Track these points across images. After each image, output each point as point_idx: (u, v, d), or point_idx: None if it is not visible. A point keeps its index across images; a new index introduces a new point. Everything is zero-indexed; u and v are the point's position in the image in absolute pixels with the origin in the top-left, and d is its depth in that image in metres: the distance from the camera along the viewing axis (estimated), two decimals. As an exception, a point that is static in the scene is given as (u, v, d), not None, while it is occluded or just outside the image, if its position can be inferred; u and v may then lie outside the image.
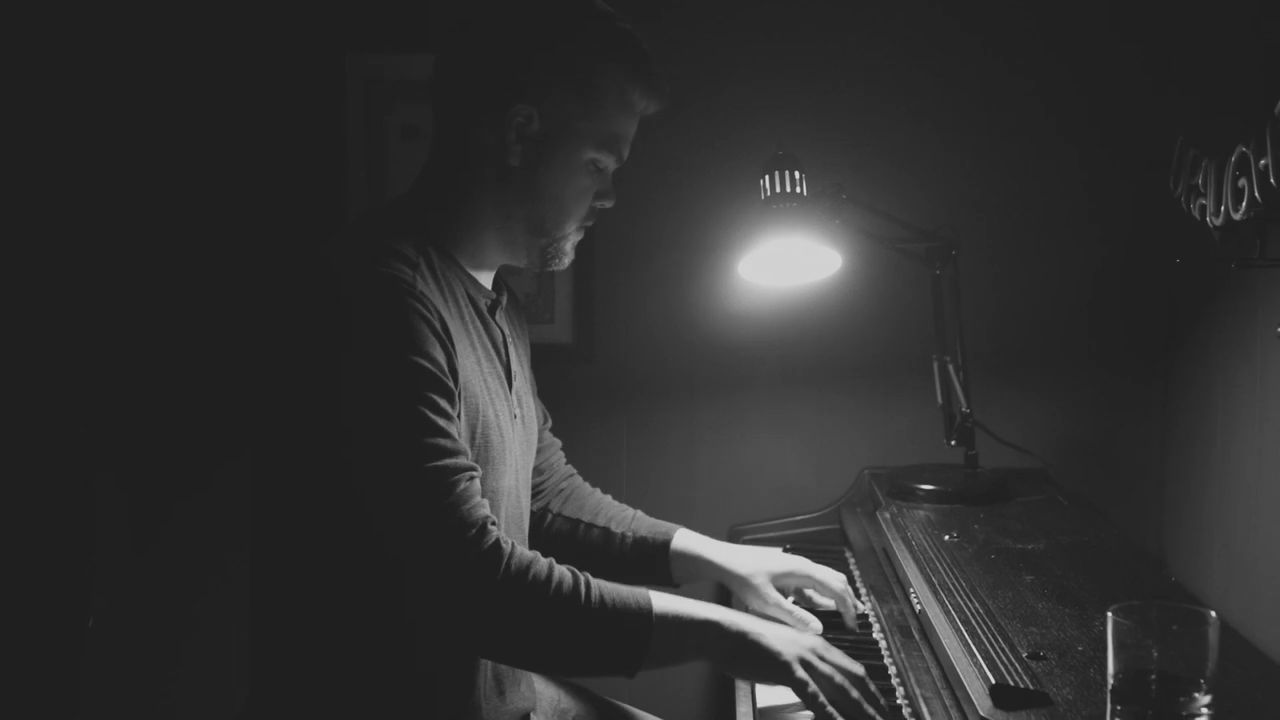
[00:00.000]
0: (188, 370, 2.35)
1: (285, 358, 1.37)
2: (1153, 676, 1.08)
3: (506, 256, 1.51)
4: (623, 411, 2.36)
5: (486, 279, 1.53)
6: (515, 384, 1.54)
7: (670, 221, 2.29)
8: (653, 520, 1.74)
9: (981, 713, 1.15)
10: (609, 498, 1.79)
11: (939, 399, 2.04)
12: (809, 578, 1.70)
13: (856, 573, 1.89)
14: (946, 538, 1.74)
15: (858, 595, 1.76)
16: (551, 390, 2.16)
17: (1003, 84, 2.22)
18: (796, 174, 1.85)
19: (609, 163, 1.47)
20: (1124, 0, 2.17)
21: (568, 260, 1.52)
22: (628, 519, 1.73)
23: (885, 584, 1.76)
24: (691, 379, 2.33)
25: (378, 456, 1.27)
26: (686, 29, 2.26)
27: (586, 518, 1.73)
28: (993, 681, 1.18)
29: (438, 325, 1.32)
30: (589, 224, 1.51)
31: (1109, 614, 1.09)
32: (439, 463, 1.26)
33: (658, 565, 1.68)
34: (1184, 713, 1.07)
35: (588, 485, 1.81)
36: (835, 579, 1.70)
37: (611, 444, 2.36)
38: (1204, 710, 1.07)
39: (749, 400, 2.32)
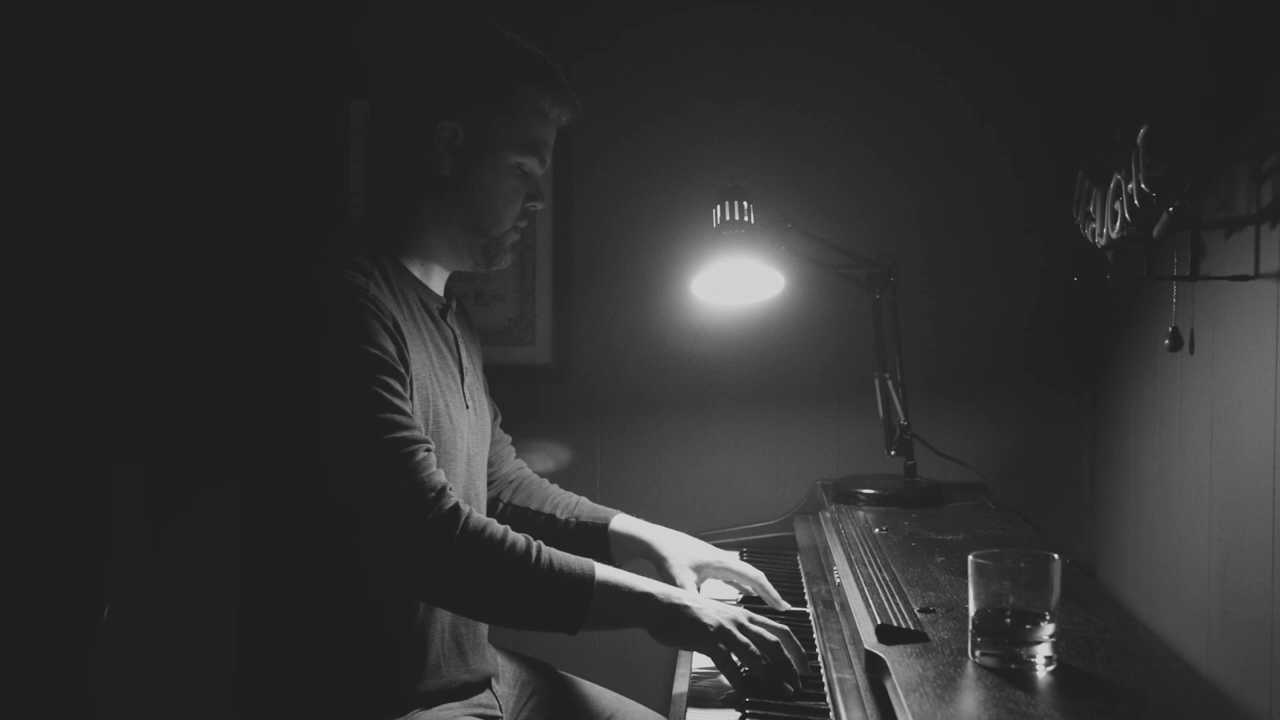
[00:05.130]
0: (203, 372, 2.57)
1: (260, 357, 1.57)
2: (1008, 612, 1.26)
3: (452, 260, 1.71)
4: (597, 426, 2.55)
5: (437, 285, 1.73)
6: (467, 379, 1.73)
7: (635, 242, 2.50)
8: (594, 505, 1.92)
9: (867, 646, 1.33)
10: (555, 487, 1.97)
11: (880, 413, 2.23)
12: (728, 569, 1.87)
13: (802, 568, 2.06)
14: (876, 531, 1.92)
15: (799, 584, 1.94)
16: (532, 406, 2.36)
17: (943, 116, 2.42)
18: (745, 204, 2.06)
19: (533, 165, 1.67)
20: (1067, 34, 2.34)
21: (509, 260, 1.72)
22: (571, 505, 1.92)
23: (819, 570, 1.94)
24: (659, 397, 2.53)
25: (342, 433, 1.46)
26: (644, 56, 2.48)
27: (534, 505, 1.92)
28: (879, 623, 1.37)
29: (389, 323, 1.51)
30: (523, 225, 1.71)
31: (970, 557, 1.28)
32: (395, 435, 1.46)
33: (598, 545, 1.85)
34: (1032, 639, 1.25)
35: (536, 476, 1.99)
36: (752, 571, 1.87)
37: (586, 456, 2.55)
38: (1049, 637, 1.25)
39: (711, 416, 2.52)
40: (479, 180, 1.64)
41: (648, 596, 1.54)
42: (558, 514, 1.90)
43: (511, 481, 1.96)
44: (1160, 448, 1.91)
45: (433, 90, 1.63)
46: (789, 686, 1.47)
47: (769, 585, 1.86)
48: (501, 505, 1.93)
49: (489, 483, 1.92)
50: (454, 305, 1.76)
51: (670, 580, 1.81)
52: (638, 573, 1.60)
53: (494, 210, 1.66)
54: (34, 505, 2.43)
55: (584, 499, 1.94)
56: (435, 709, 1.61)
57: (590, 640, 2.44)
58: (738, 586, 1.89)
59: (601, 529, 1.88)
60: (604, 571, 1.53)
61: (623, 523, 1.89)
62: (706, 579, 1.87)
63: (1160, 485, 1.91)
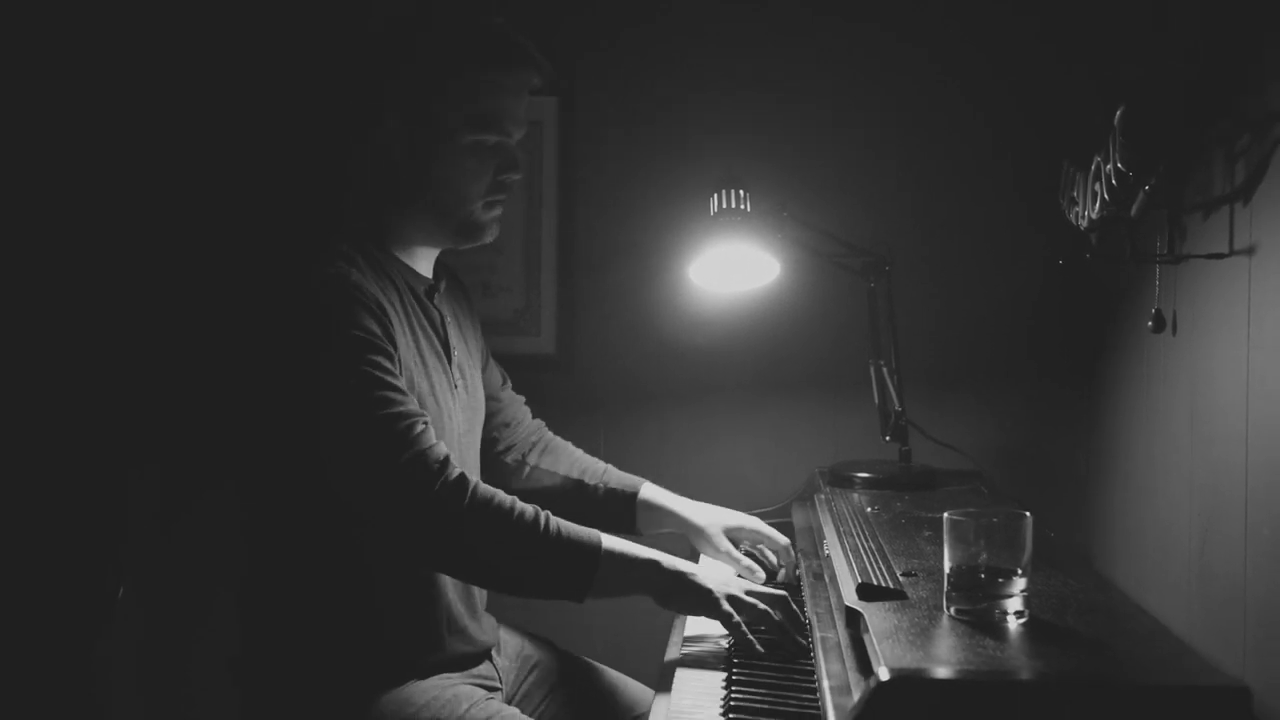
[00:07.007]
0: (206, 372, 2.63)
1: (256, 351, 1.62)
2: (981, 568, 1.31)
3: (431, 241, 1.74)
4: (601, 416, 2.60)
5: (424, 267, 1.76)
6: (455, 358, 1.76)
7: (636, 232, 2.54)
8: (621, 473, 1.97)
9: (847, 603, 1.38)
10: (581, 451, 2.02)
11: (876, 400, 2.28)
12: (757, 533, 1.94)
13: (798, 547, 2.11)
14: (868, 510, 1.97)
15: (795, 561, 1.99)
16: (536, 397, 2.40)
17: (940, 107, 2.46)
18: (741, 192, 2.11)
19: (494, 139, 1.66)
20: (1064, 28, 2.36)
21: (491, 234, 1.73)
22: (599, 471, 1.97)
23: (813, 548, 1.98)
24: (659, 386, 2.57)
25: (342, 415, 1.51)
26: (644, 55, 2.53)
27: (562, 470, 1.96)
28: (860, 582, 1.41)
29: (373, 305, 1.55)
30: (499, 197, 1.71)
31: (945, 515, 1.33)
32: (393, 410, 1.51)
33: (625, 514, 1.90)
34: (1004, 593, 1.29)
35: (558, 438, 2.04)
36: (780, 536, 1.95)
37: (590, 446, 2.59)
38: (1020, 592, 1.30)
39: (710, 404, 2.56)
40: (434, 167, 1.65)
41: (652, 564, 1.59)
42: (586, 479, 1.95)
43: (535, 443, 2.00)
44: (1148, 432, 1.94)
45: (368, 89, 1.66)
46: (800, 640, 1.53)
47: (792, 551, 1.93)
48: (529, 468, 1.95)
49: (510, 445, 1.96)
50: (442, 286, 1.78)
51: (713, 549, 1.89)
52: (665, 544, 1.66)
53: (456, 193, 1.67)
54: (49, 503, 2.49)
55: (611, 466, 1.99)
56: (433, 678, 1.66)
57: (591, 619, 2.50)
58: (766, 553, 1.94)
59: (630, 498, 1.93)
60: (610, 541, 1.58)
61: (651, 492, 1.94)
62: (740, 542, 1.93)
63: (1147, 470, 1.94)
